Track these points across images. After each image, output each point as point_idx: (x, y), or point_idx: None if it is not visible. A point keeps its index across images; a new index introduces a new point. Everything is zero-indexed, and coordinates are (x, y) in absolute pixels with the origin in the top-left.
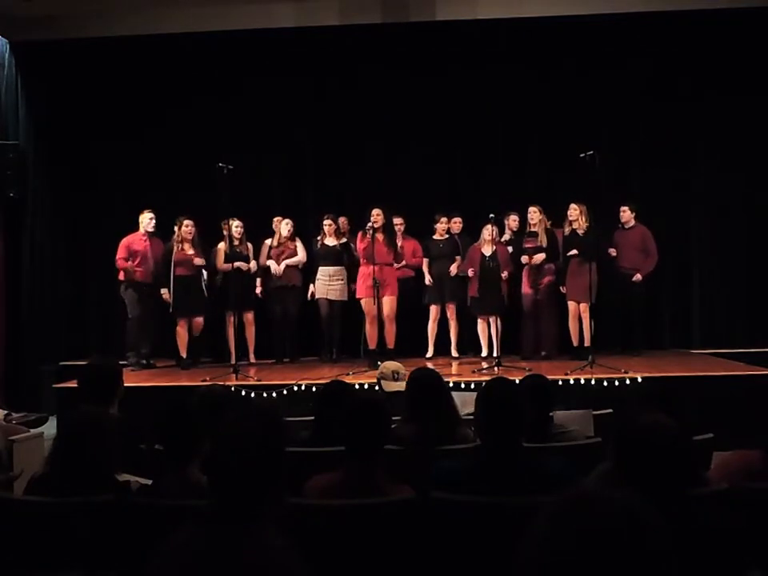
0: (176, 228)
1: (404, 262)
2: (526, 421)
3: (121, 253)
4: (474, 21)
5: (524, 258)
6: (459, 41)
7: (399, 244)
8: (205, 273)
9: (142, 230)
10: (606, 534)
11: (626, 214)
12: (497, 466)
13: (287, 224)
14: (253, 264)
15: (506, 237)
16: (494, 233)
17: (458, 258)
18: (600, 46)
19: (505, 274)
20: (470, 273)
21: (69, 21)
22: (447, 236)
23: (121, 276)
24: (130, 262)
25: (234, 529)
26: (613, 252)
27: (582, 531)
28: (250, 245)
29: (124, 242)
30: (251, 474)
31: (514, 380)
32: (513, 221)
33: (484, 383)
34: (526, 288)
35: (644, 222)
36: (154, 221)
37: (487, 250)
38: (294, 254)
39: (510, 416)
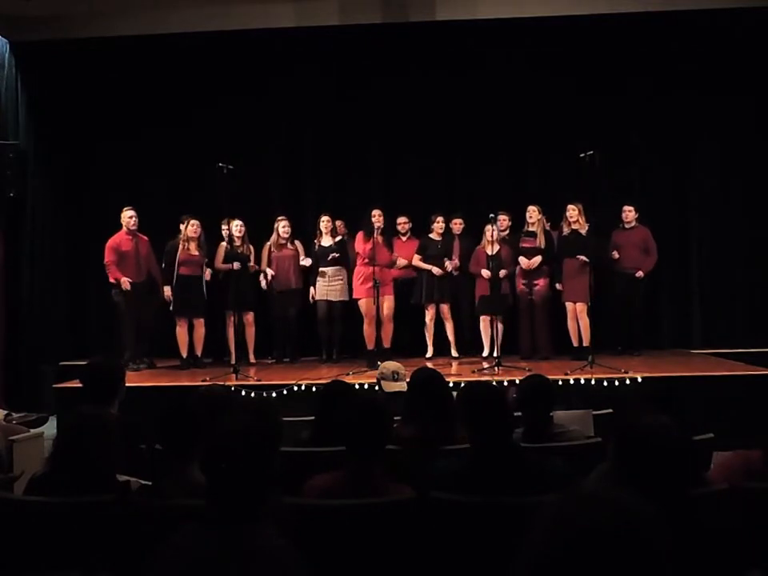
0: (182, 227)
1: (404, 261)
2: (509, 420)
3: (108, 256)
4: (474, 21)
5: (523, 262)
6: (459, 41)
7: (395, 246)
8: (207, 273)
9: (125, 228)
10: (605, 533)
11: (631, 214)
12: (493, 466)
13: (283, 225)
14: (254, 265)
15: (496, 236)
16: (496, 233)
17: (454, 258)
18: (600, 45)
19: (503, 273)
20: (485, 274)
21: (69, 21)
22: (443, 236)
23: (111, 278)
24: (124, 279)
25: (233, 529)
26: (615, 255)
27: (581, 530)
28: (251, 246)
29: (110, 243)
30: (245, 473)
31: (488, 381)
32: (501, 221)
33: (456, 393)
34: (519, 287)
35: (644, 222)
36: (134, 219)
37: (491, 250)
38: (296, 259)
39: (491, 420)
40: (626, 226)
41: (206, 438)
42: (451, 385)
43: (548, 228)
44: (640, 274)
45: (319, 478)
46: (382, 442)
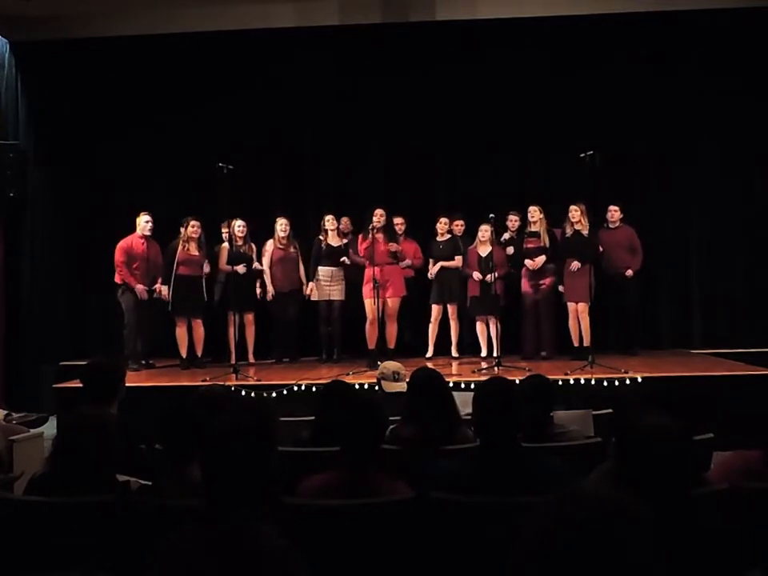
0: (182, 228)
1: (407, 261)
2: (521, 419)
3: (119, 256)
4: (474, 21)
5: (528, 262)
6: (459, 41)
7: (399, 245)
8: (206, 266)
9: (139, 232)
10: (597, 532)
11: (617, 214)
12: (494, 466)
13: (282, 224)
14: (256, 264)
15: (506, 236)
16: (492, 233)
17: (458, 257)
18: (600, 45)
19: (489, 277)
20: (475, 276)
21: (69, 21)
22: (448, 236)
23: (117, 279)
24: (134, 280)
25: (233, 529)
26: (600, 248)
27: (572, 529)
28: (253, 246)
29: (122, 244)
30: (242, 472)
31: (510, 379)
32: (512, 221)
33: (476, 383)
34: (525, 287)
35: (644, 221)
36: (150, 224)
37: (483, 251)
38: (297, 259)
39: (505, 415)
40: (611, 225)
41: (204, 438)
42: (451, 385)
43: (549, 226)
44: (629, 273)
45: (314, 478)
46: (377, 442)
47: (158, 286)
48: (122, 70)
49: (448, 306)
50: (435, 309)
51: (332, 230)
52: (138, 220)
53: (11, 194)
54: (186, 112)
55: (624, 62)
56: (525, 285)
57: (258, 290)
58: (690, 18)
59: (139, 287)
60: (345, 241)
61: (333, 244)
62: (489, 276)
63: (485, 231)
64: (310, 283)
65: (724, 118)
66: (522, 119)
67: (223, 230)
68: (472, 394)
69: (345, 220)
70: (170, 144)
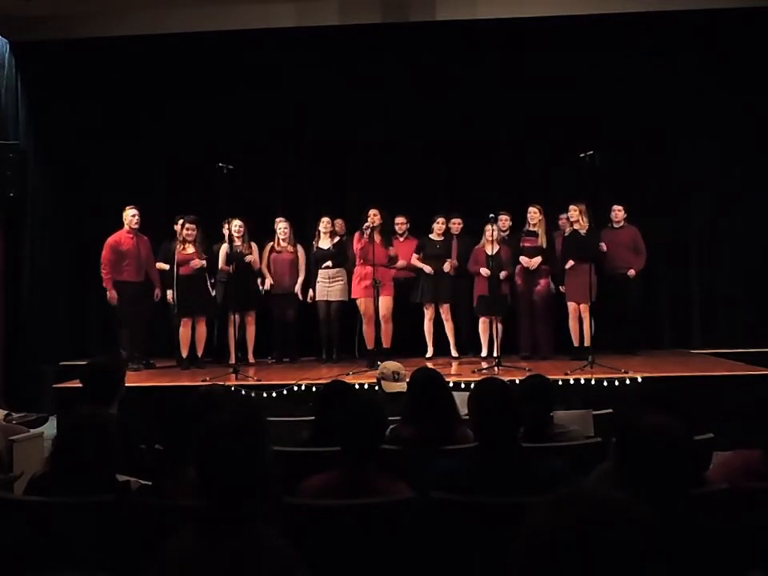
0: (175, 226)
1: (404, 263)
2: (521, 419)
3: (107, 254)
4: (474, 21)
5: (523, 260)
6: (459, 41)
7: (393, 247)
8: (197, 262)
9: (126, 226)
10: (594, 532)
11: (621, 214)
12: (494, 466)
13: (282, 228)
14: (256, 261)
15: (496, 236)
16: (496, 233)
17: (451, 259)
18: (600, 45)
19: (503, 274)
20: (483, 272)
21: (69, 21)
22: (443, 236)
23: (105, 281)
24: (111, 284)
25: (233, 529)
26: (603, 246)
27: (570, 530)
28: (254, 244)
29: (110, 241)
30: (237, 471)
31: (504, 379)
32: (503, 220)
33: (473, 385)
34: (520, 288)
35: (644, 222)
36: (137, 217)
37: (490, 250)
38: (295, 262)
39: (504, 415)
40: (615, 225)
41: (198, 439)
42: (451, 385)
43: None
44: (632, 272)
45: (314, 478)
46: (377, 442)
47: (168, 293)
48: (122, 69)
49: (440, 306)
50: (428, 308)
51: (324, 233)
52: (124, 214)
53: (11, 194)
54: (186, 112)
55: (624, 62)
56: (519, 285)
57: (261, 287)
58: (690, 17)
59: (111, 293)
60: (335, 241)
61: (323, 247)
62: (502, 273)
63: (491, 231)
64: (310, 290)
65: (724, 117)
66: (522, 119)
67: (224, 230)
68: None
69: (339, 222)
70: (169, 144)
